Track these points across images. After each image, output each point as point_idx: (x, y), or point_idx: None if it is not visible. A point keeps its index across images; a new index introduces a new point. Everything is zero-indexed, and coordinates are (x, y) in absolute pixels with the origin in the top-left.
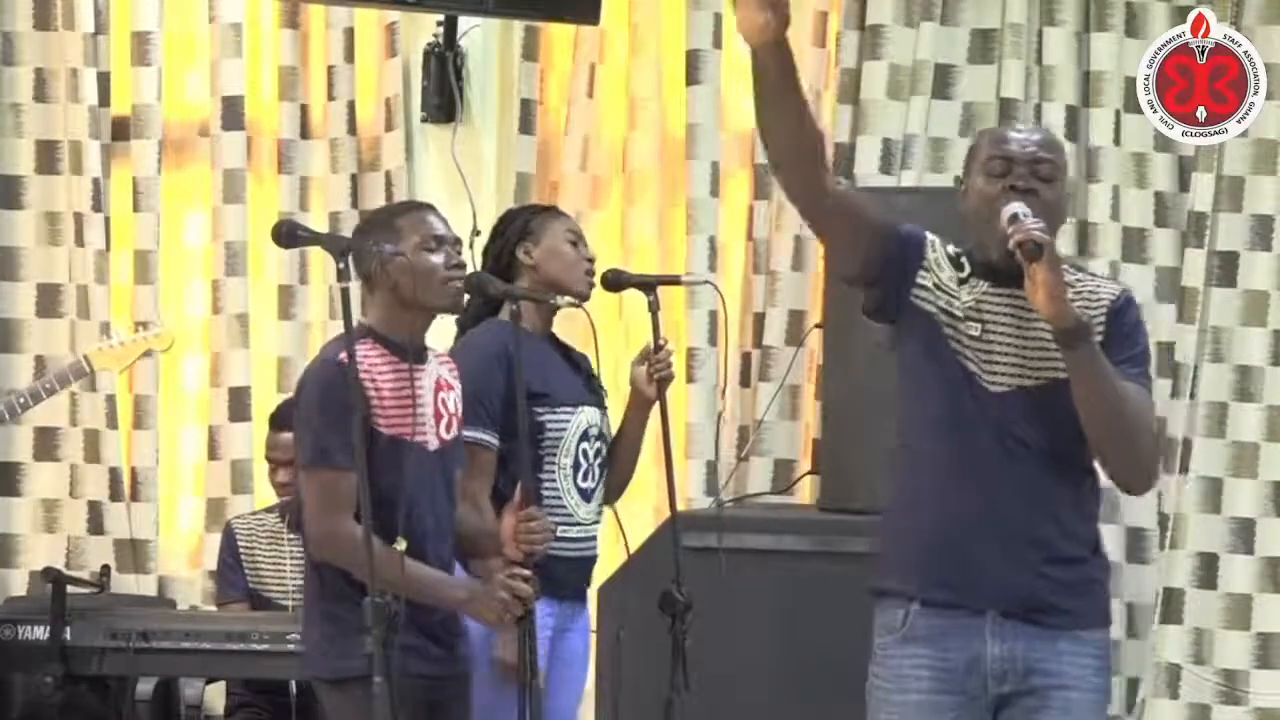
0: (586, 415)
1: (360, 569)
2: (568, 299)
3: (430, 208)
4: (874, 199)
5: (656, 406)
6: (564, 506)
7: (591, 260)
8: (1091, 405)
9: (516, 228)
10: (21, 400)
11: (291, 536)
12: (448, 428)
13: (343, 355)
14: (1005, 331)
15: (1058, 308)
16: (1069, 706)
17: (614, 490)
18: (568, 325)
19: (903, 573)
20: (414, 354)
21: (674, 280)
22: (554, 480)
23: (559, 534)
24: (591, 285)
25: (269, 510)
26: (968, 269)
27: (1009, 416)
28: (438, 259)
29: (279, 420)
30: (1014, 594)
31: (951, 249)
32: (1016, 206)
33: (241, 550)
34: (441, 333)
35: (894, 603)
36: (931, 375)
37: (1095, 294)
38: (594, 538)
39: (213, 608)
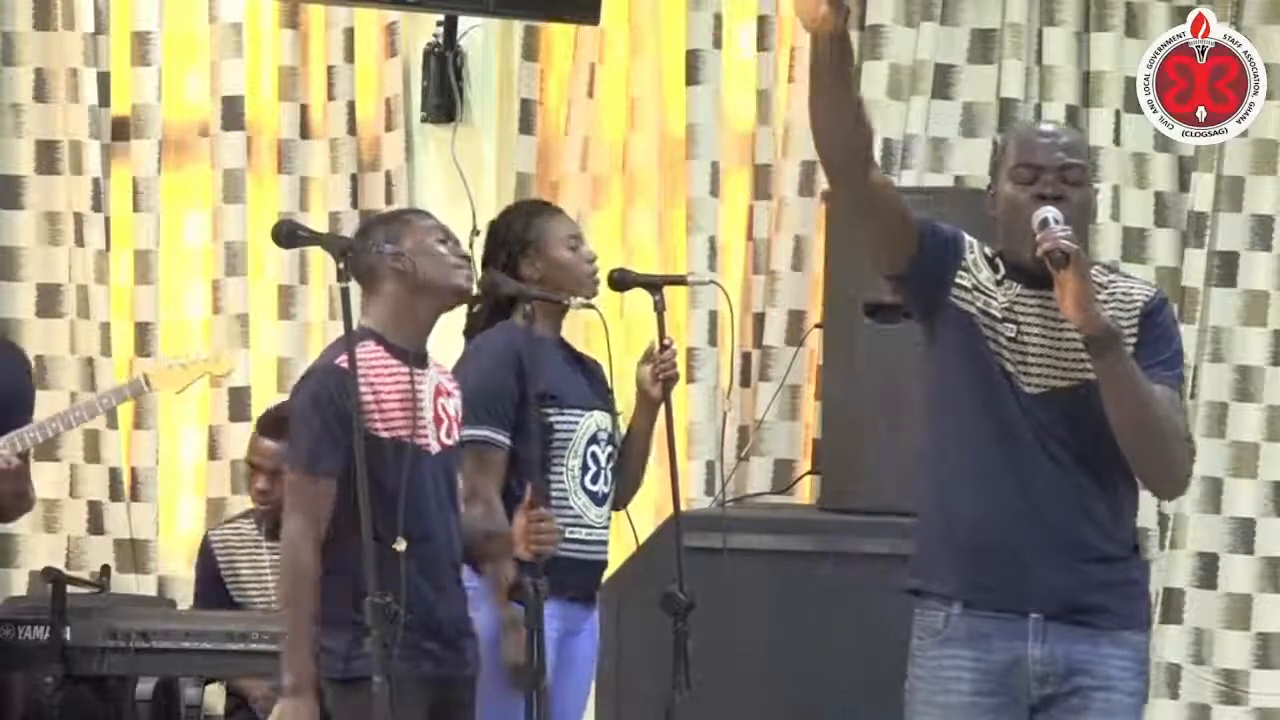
0: (596, 419)
1: (284, 582)
2: (580, 300)
3: (429, 214)
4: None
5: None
6: (571, 508)
7: (593, 259)
8: (1121, 410)
9: (514, 236)
10: (78, 414)
11: (270, 544)
12: (448, 433)
13: (341, 359)
14: (1038, 334)
15: (1086, 316)
16: (1110, 709)
17: (624, 493)
18: (568, 326)
19: (943, 574)
20: (416, 358)
21: (679, 280)
22: (561, 482)
23: (566, 535)
24: (597, 283)
25: (244, 517)
26: (1002, 271)
27: (1045, 417)
28: (445, 249)
29: (266, 426)
30: (1057, 595)
31: (988, 250)
32: (1047, 212)
33: (221, 564)
34: (444, 340)
35: (934, 604)
36: (970, 375)
37: (1128, 295)
38: (604, 542)
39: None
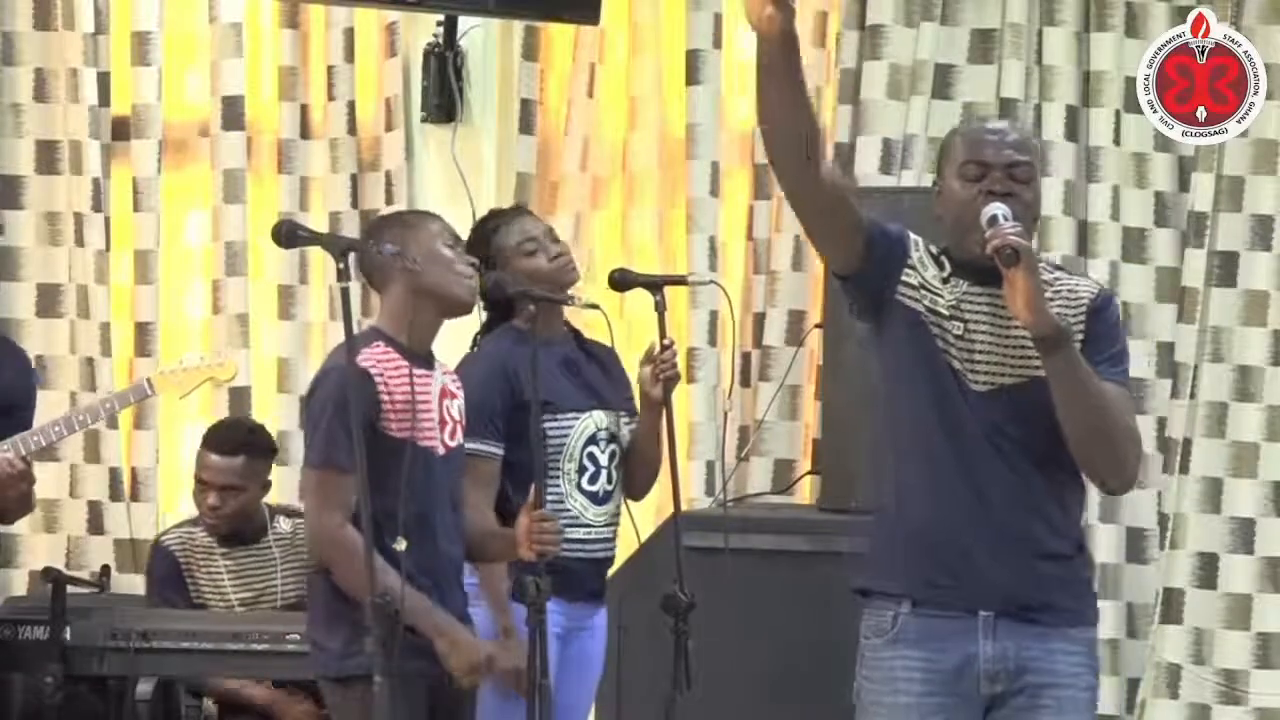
0: (595, 419)
1: (349, 573)
2: (584, 300)
3: (438, 216)
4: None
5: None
6: (569, 510)
7: (557, 255)
8: (1071, 409)
9: (480, 255)
10: (81, 418)
11: (225, 550)
12: (452, 435)
13: (355, 359)
14: (985, 331)
15: (1035, 314)
16: (1061, 705)
17: (643, 479)
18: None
19: (891, 572)
20: (422, 359)
21: (680, 280)
22: (558, 485)
23: (566, 535)
24: (574, 274)
25: (193, 524)
26: (948, 268)
27: (992, 415)
28: (453, 254)
29: (213, 442)
30: (1007, 592)
31: (933, 248)
32: (997, 208)
33: (182, 567)
34: (450, 341)
35: (882, 604)
36: (918, 374)
37: (1074, 292)
38: (607, 540)
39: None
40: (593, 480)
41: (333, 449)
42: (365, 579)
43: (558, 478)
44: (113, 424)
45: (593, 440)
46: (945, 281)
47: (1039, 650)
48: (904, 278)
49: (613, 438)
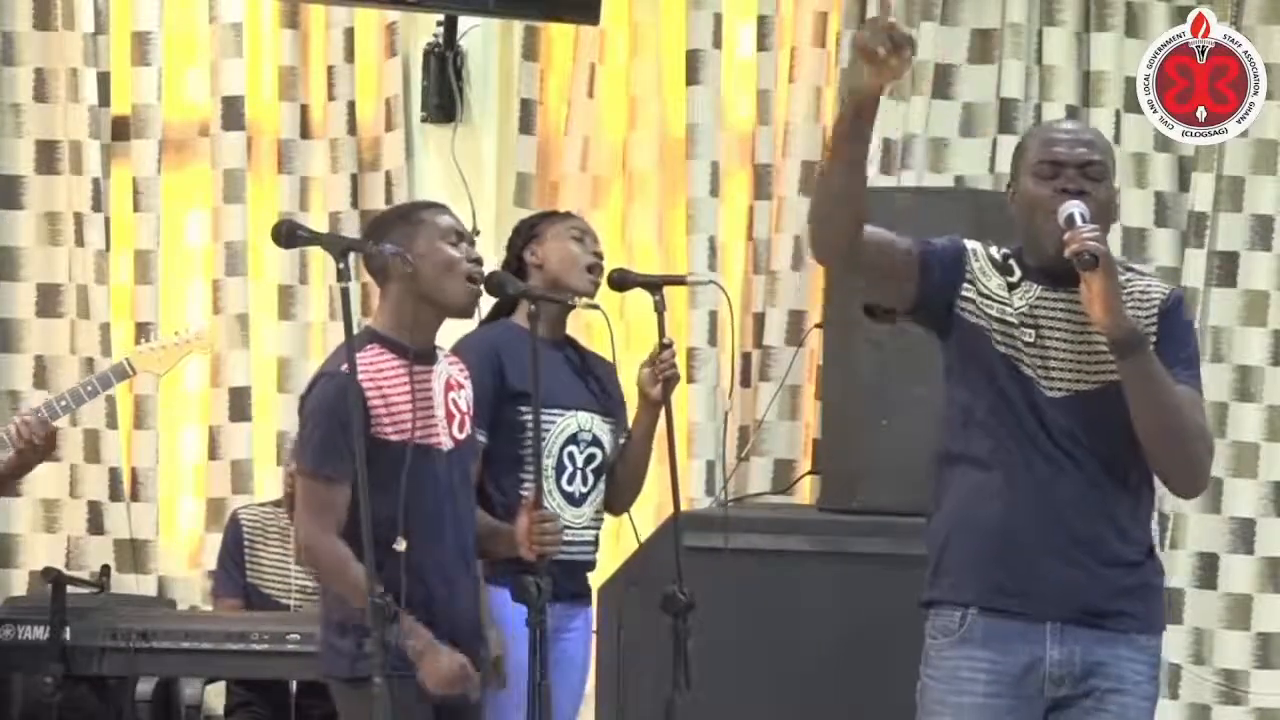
0: (579, 420)
1: (333, 583)
2: (585, 300)
3: (445, 207)
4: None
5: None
6: (545, 508)
7: (599, 256)
8: (1146, 412)
9: (524, 232)
10: (63, 403)
11: None
12: (460, 427)
13: (345, 365)
14: (1060, 336)
15: (1114, 318)
16: (1124, 712)
17: (626, 493)
18: (569, 327)
19: (959, 582)
20: (423, 356)
21: (679, 280)
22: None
23: None
24: (596, 284)
25: (276, 505)
26: (1018, 273)
27: (1066, 422)
28: (457, 253)
29: None
30: (1075, 601)
31: (998, 252)
32: (1074, 206)
33: (245, 542)
34: (449, 333)
35: (949, 607)
36: (985, 384)
37: (1145, 294)
38: (587, 542)
39: (211, 608)
40: (570, 480)
41: (324, 458)
42: (347, 587)
43: (539, 473)
44: (113, 424)
45: (573, 440)
46: (1014, 287)
47: (1105, 655)
48: (963, 292)
49: (594, 442)
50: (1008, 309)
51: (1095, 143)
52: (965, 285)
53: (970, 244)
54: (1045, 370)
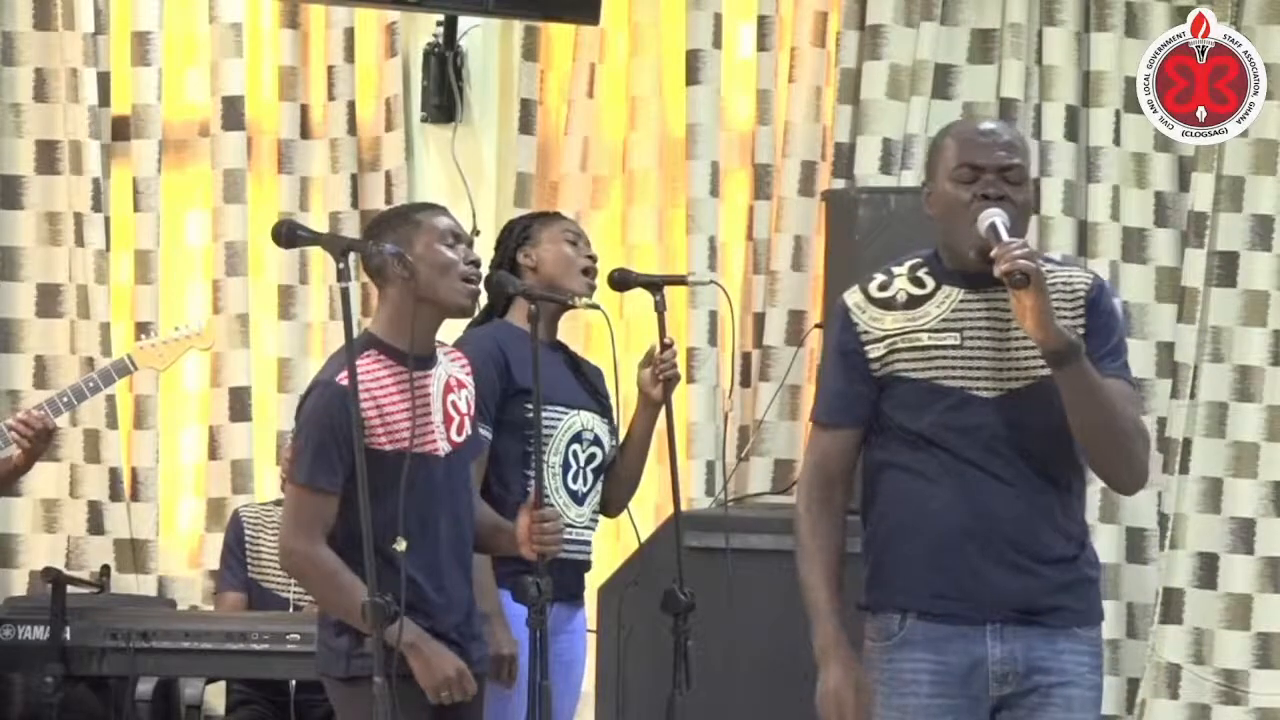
0: (581, 419)
1: (323, 592)
2: (585, 300)
3: (443, 209)
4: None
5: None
6: (551, 506)
7: (593, 259)
8: (1083, 416)
9: (516, 234)
10: (65, 399)
11: None
12: (458, 429)
13: (342, 376)
14: (986, 337)
15: (1047, 333)
16: (1069, 703)
17: (622, 493)
18: (569, 326)
19: (897, 588)
20: (421, 359)
21: (680, 280)
22: (543, 478)
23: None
24: (592, 286)
25: (277, 504)
26: (931, 283)
27: (998, 422)
28: (455, 255)
29: None
30: (1013, 601)
31: (899, 270)
32: (994, 216)
33: (247, 539)
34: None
35: (887, 611)
36: (914, 395)
37: (1069, 285)
38: (586, 542)
39: (212, 607)
40: (575, 479)
41: (316, 469)
42: (329, 598)
43: (542, 470)
44: (113, 424)
45: (577, 439)
46: (928, 299)
47: (1046, 650)
48: (869, 359)
49: (595, 441)
50: (921, 330)
51: (1015, 145)
52: (868, 348)
53: (849, 300)
54: (974, 373)
